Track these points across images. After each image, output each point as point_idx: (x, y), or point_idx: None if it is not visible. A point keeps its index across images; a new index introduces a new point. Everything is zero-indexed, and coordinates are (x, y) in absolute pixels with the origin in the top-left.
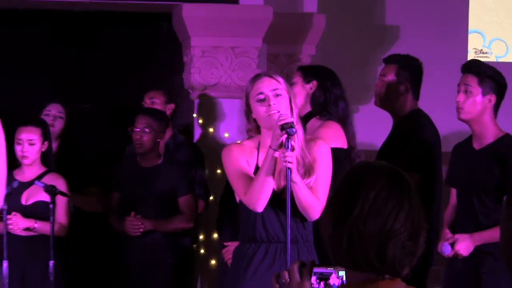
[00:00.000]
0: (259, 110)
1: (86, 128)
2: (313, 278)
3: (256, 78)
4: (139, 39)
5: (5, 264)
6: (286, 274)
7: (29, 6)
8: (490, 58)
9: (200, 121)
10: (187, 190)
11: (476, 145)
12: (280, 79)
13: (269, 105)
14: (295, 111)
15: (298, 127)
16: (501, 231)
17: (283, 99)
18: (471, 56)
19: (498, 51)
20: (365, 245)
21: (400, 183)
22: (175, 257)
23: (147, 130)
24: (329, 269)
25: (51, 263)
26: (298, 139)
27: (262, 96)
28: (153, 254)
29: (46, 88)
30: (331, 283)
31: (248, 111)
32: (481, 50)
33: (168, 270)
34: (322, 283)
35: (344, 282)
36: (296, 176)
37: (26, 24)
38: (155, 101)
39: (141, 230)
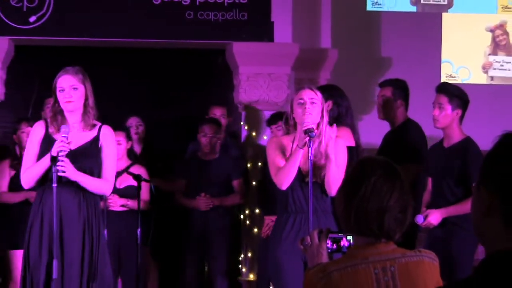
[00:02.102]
0: (298, 110)
1: (166, 132)
2: (328, 241)
3: (301, 88)
4: (202, 67)
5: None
6: (308, 238)
7: (121, 45)
8: (457, 80)
9: (246, 127)
10: (238, 175)
11: (446, 144)
12: (318, 92)
13: (305, 107)
14: (325, 117)
15: (328, 129)
16: (471, 211)
17: (316, 106)
18: (443, 79)
19: (463, 75)
20: (368, 217)
21: (393, 171)
22: (229, 226)
23: (213, 135)
24: (340, 235)
25: (139, 230)
26: (324, 139)
27: (302, 101)
28: (214, 223)
29: (141, 104)
30: (342, 244)
31: (290, 112)
32: (451, 75)
33: (225, 235)
34: (335, 245)
35: (352, 244)
36: (332, 154)
37: (121, 60)
38: (217, 113)
39: (211, 206)
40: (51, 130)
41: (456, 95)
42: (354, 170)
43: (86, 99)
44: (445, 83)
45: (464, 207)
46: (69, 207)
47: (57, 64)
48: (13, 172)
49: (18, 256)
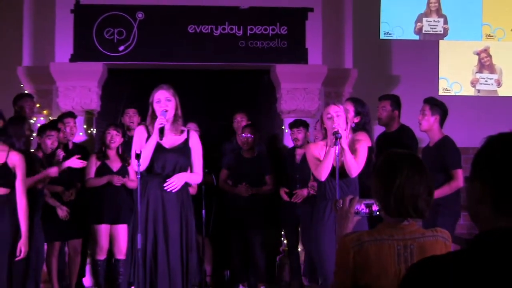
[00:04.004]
0: (328, 124)
1: (223, 135)
2: (362, 206)
3: (328, 104)
4: (252, 84)
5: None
6: (341, 201)
7: (188, 67)
8: (451, 93)
9: (286, 130)
10: (270, 171)
11: (430, 144)
12: (340, 106)
13: (333, 121)
14: (349, 123)
15: (349, 133)
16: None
17: (341, 118)
18: (440, 92)
19: (456, 89)
20: (404, 202)
21: (420, 163)
22: (263, 208)
23: (251, 135)
24: (371, 201)
25: (203, 211)
26: (348, 139)
27: (329, 115)
28: (252, 206)
29: (206, 114)
30: (373, 209)
31: (321, 123)
32: (446, 88)
33: (260, 216)
34: (367, 209)
35: (380, 208)
36: (345, 145)
37: (189, 78)
38: (244, 118)
39: (250, 193)
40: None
41: (436, 104)
42: (386, 164)
43: (176, 109)
44: (431, 97)
45: (444, 190)
46: (170, 195)
47: (140, 82)
48: (98, 163)
49: (101, 229)
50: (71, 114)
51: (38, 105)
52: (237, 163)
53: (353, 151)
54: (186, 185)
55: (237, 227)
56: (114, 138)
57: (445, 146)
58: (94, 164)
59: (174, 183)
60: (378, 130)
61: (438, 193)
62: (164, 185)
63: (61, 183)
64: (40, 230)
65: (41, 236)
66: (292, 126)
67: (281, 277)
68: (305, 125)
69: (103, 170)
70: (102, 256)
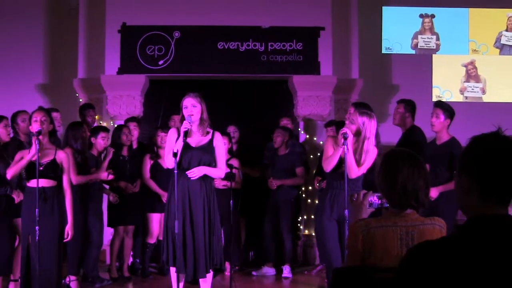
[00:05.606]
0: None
1: (251, 136)
2: (375, 198)
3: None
4: (272, 93)
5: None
6: (356, 195)
7: (218, 78)
8: (443, 99)
9: (303, 132)
10: (299, 165)
11: (438, 142)
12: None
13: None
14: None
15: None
16: (456, 191)
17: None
18: (434, 98)
19: (447, 96)
20: (407, 196)
21: (418, 160)
22: (293, 198)
23: (280, 134)
24: None
25: (231, 202)
26: (350, 143)
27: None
28: (282, 196)
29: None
30: (384, 200)
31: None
32: (439, 96)
33: (289, 204)
34: (379, 201)
35: None
36: (350, 146)
37: (219, 87)
38: (286, 122)
39: (275, 186)
40: None
41: (447, 109)
42: (389, 164)
43: (202, 114)
44: (441, 101)
45: (451, 185)
46: (195, 187)
47: (177, 91)
48: (152, 162)
49: (153, 217)
50: (134, 119)
51: None
52: (273, 160)
53: (360, 162)
54: (211, 179)
55: (269, 212)
56: (164, 139)
57: (454, 146)
58: (148, 163)
59: (193, 172)
60: (388, 128)
61: (447, 187)
62: (187, 172)
63: (124, 178)
64: (96, 219)
65: (96, 224)
66: (326, 125)
67: (301, 258)
68: (336, 123)
69: (156, 168)
70: (152, 240)
